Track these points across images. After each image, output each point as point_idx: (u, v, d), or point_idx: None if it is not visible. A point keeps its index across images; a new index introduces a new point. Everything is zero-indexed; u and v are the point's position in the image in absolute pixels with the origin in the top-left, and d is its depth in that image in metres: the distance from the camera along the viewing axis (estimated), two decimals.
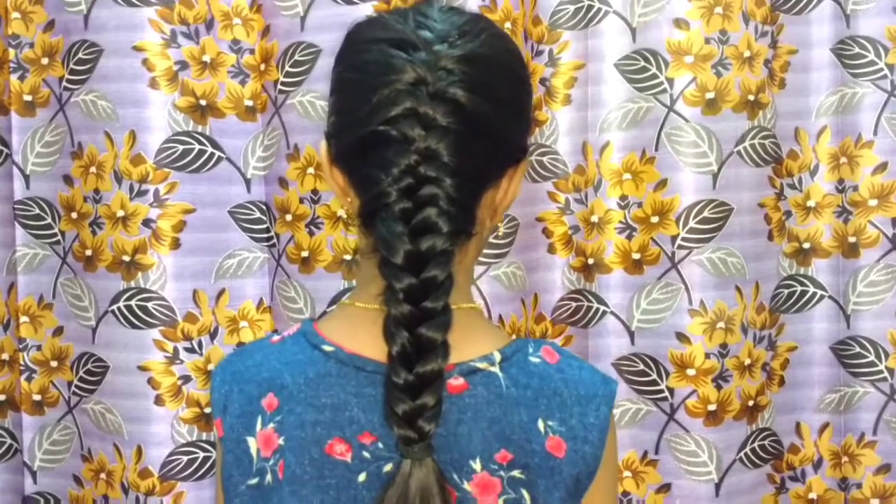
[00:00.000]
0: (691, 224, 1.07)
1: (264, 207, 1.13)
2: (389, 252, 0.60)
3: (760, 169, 1.10)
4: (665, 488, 1.12)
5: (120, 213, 1.06)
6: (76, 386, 1.13)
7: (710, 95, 1.06)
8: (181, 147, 1.07)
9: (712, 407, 1.09)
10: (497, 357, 0.65)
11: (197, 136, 1.08)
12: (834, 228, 1.14)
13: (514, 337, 0.71)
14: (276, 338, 0.70)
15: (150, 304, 1.07)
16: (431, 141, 0.61)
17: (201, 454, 1.11)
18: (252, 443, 0.65)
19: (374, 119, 0.61)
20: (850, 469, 1.15)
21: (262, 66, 1.11)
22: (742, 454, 1.11)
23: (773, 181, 1.12)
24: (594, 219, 1.12)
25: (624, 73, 1.09)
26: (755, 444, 1.12)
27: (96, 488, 1.12)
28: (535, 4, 1.11)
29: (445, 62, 0.62)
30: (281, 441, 0.64)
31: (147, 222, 1.06)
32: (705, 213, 1.07)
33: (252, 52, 1.11)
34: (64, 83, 1.08)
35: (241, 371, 0.67)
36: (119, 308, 1.07)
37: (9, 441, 1.17)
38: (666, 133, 1.08)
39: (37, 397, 1.16)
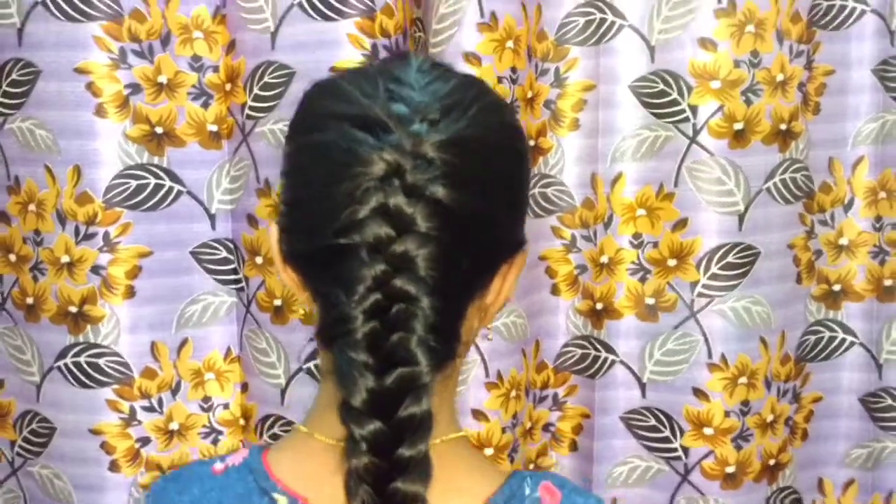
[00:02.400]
0: (713, 270, 0.96)
1: (231, 246, 1.00)
2: (349, 391, 0.47)
3: (791, 206, 0.98)
4: None
5: (65, 259, 0.93)
6: (20, 446, 1.00)
7: (739, 126, 0.94)
8: (134, 182, 0.93)
9: (731, 469, 0.99)
10: None
11: (153, 169, 0.94)
12: (868, 269, 1.03)
13: (508, 468, 0.59)
14: (219, 466, 0.57)
15: (101, 361, 0.94)
16: (407, 247, 0.48)
17: None
18: None
19: (333, 225, 0.49)
20: None
21: (228, 86, 0.97)
22: None
23: (804, 218, 1.00)
24: (604, 259, 1.00)
25: (640, 96, 0.96)
26: None
27: None
28: (541, 16, 0.97)
29: (425, 148, 0.49)
30: None
31: (96, 269, 0.93)
32: (729, 258, 0.95)
33: (216, 69, 0.97)
34: None
35: None
36: (66, 364, 0.95)
37: None
38: (687, 167, 0.95)
39: None
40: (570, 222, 1.02)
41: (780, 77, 0.94)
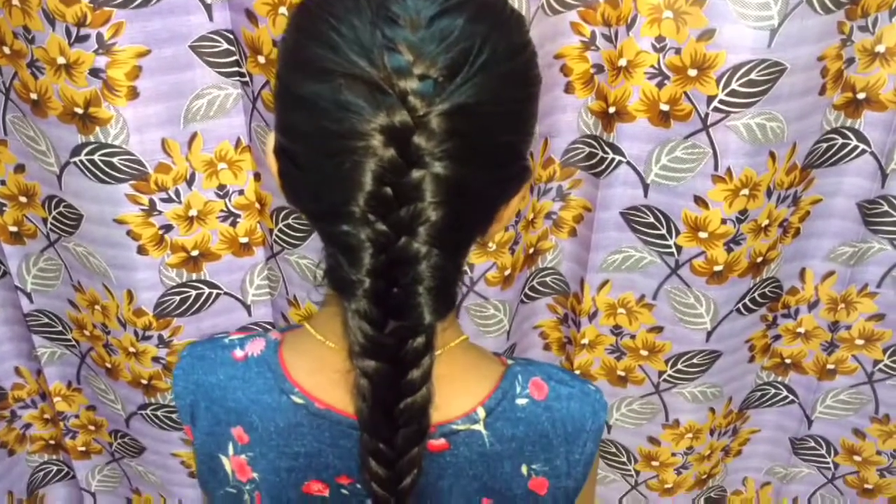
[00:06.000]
0: (734, 86, 0.92)
1: (231, 37, 0.95)
2: (352, 335, 0.51)
3: (831, 15, 0.90)
4: (657, 329, 1.13)
5: (61, 60, 0.89)
6: (52, 225, 1.06)
7: None
8: None
9: (719, 268, 1.05)
10: (481, 414, 0.60)
11: None
12: None
13: (504, 366, 0.64)
14: (239, 353, 0.63)
15: (115, 160, 0.96)
16: (409, 213, 0.48)
17: (193, 292, 1.09)
18: (226, 462, 0.63)
19: (332, 200, 0.48)
20: (844, 314, 1.15)
21: None
22: (740, 304, 1.10)
23: (843, 26, 0.93)
24: (622, 62, 0.96)
25: None
26: (755, 294, 1.11)
27: (93, 315, 1.13)
28: None
29: (429, 118, 0.46)
30: (255, 475, 0.62)
31: (95, 72, 0.90)
32: (752, 76, 0.91)
33: None
34: None
35: (205, 386, 0.62)
36: (81, 161, 0.96)
37: None
38: None
39: (13, 228, 1.10)
40: (592, 18, 0.95)
41: None
